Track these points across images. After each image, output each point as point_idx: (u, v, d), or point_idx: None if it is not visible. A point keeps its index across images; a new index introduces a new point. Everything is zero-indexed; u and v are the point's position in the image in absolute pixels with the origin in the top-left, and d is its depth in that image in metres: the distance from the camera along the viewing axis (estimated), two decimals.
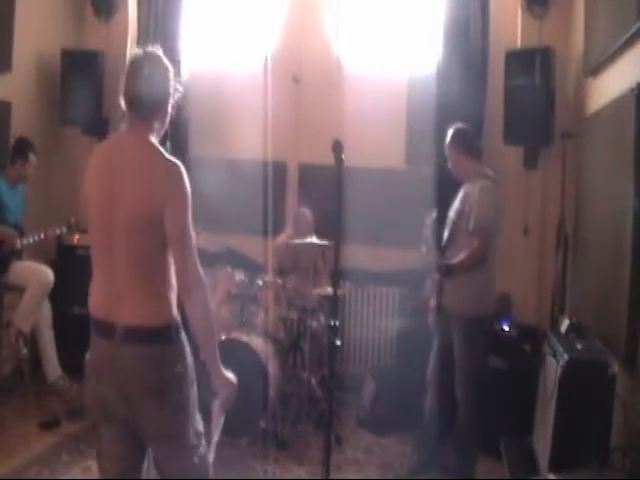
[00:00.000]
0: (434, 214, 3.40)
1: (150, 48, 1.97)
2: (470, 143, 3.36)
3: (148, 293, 1.88)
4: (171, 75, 1.97)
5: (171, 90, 1.98)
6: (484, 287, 3.25)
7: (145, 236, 1.86)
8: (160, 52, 1.97)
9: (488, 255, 3.17)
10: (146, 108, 1.92)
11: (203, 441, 1.99)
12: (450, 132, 3.37)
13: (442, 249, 3.34)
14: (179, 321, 1.92)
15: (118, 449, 1.95)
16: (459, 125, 3.40)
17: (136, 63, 1.93)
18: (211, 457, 2.07)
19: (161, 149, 1.93)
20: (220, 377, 1.97)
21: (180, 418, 1.92)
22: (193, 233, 1.89)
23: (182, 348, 1.93)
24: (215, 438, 2.12)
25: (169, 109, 1.99)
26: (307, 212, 4.52)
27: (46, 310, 4.18)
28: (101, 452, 1.98)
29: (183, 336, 1.94)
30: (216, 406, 2.05)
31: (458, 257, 3.20)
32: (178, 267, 1.88)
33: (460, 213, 3.26)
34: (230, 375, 2.00)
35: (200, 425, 1.98)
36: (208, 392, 2.06)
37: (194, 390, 1.96)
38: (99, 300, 1.93)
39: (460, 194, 3.35)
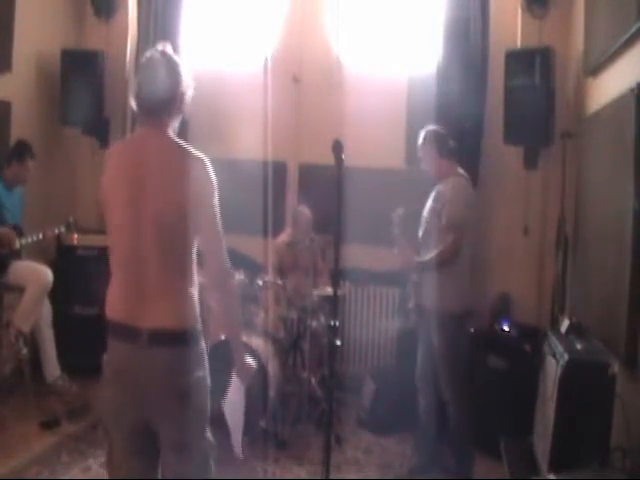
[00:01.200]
0: (400, 211, 3.40)
1: (160, 46, 1.95)
2: (443, 143, 3.38)
3: (178, 294, 1.87)
4: (182, 70, 1.95)
5: (184, 85, 1.95)
6: (460, 284, 3.24)
7: (175, 233, 1.85)
8: (170, 49, 1.96)
9: (461, 251, 3.18)
10: (162, 105, 1.91)
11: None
12: (422, 134, 3.40)
13: (417, 247, 3.36)
14: (201, 326, 1.93)
15: (128, 458, 1.92)
16: (430, 127, 3.43)
17: (148, 62, 1.92)
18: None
19: (185, 144, 1.91)
20: (244, 363, 2.11)
21: (200, 425, 1.92)
22: (221, 225, 1.90)
23: (204, 353, 1.94)
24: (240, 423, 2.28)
25: (184, 104, 1.97)
26: (306, 210, 4.51)
27: (46, 309, 4.18)
28: (112, 460, 1.96)
29: (203, 342, 1.94)
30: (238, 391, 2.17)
31: (430, 254, 3.22)
32: (210, 259, 1.90)
33: (433, 212, 3.29)
34: (250, 360, 2.14)
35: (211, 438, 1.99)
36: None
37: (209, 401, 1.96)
38: (121, 303, 1.88)
39: (433, 193, 3.37)
